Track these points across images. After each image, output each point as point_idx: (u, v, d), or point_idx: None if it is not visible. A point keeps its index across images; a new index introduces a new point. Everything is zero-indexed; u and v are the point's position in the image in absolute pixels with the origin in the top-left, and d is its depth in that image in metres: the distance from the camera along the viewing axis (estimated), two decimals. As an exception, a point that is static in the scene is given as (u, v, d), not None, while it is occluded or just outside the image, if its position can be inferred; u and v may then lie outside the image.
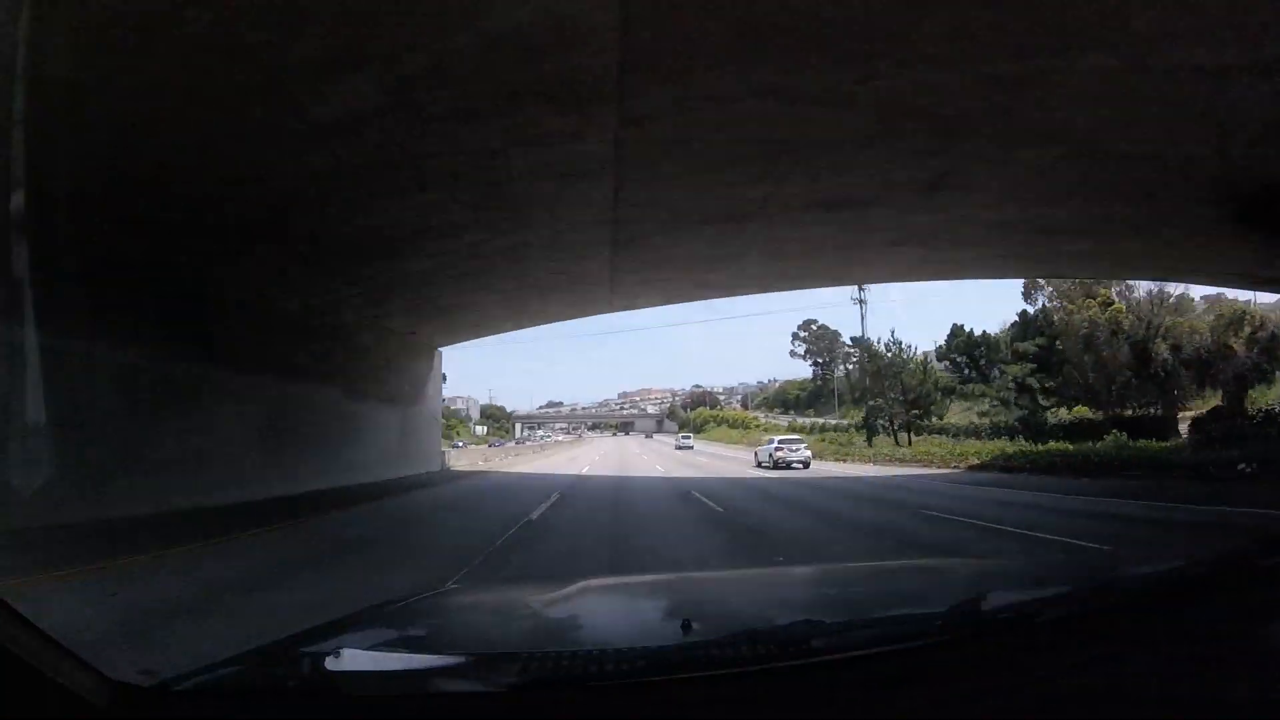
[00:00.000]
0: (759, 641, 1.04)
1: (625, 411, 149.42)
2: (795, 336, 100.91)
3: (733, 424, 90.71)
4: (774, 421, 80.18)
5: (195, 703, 0.94)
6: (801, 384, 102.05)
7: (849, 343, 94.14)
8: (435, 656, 1.19)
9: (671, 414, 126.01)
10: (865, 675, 0.97)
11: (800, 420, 77.18)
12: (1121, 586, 1.38)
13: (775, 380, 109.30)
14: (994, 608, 1.24)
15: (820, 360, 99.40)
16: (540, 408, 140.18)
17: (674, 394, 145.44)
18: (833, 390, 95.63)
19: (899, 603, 1.61)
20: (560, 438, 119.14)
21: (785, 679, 0.96)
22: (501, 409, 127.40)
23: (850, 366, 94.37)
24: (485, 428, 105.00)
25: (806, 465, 22.90)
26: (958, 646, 1.05)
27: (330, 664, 1.03)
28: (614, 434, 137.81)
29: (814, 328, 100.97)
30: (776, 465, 22.76)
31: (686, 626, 1.17)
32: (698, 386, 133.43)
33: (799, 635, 1.05)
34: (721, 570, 5.03)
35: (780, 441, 24.57)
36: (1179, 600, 1.23)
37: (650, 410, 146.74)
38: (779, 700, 0.91)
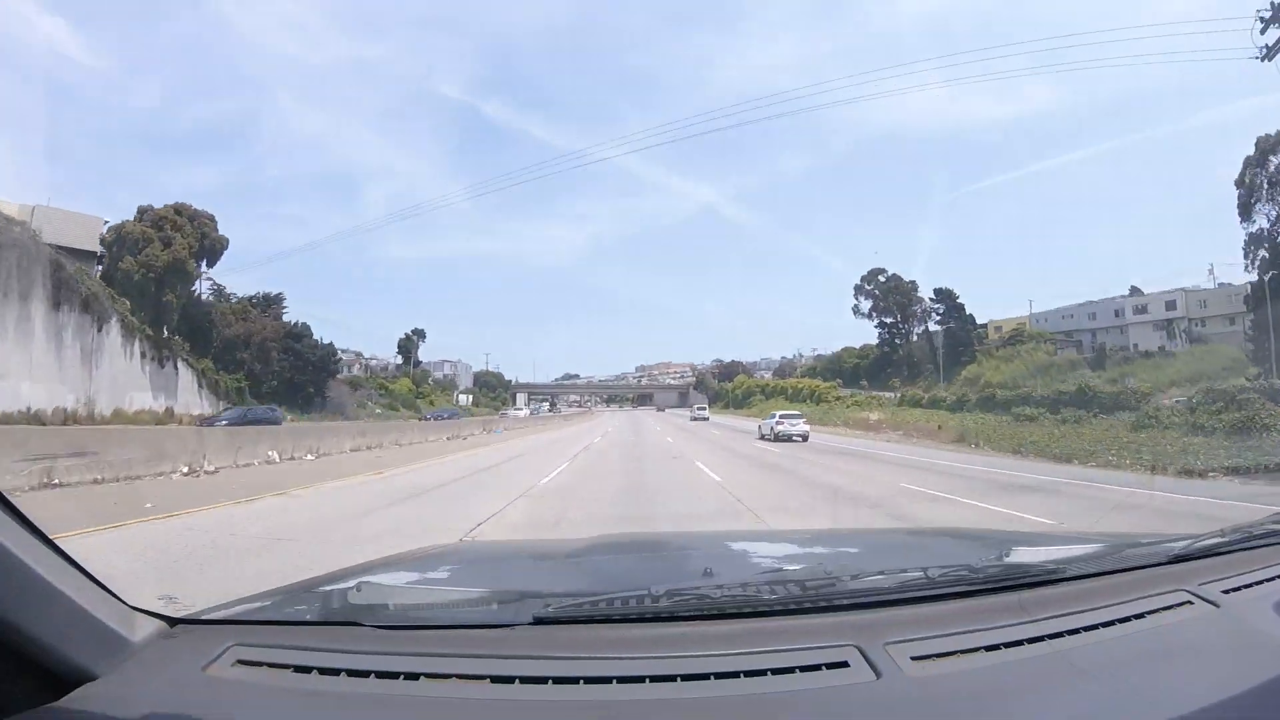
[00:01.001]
0: (784, 583, 1.06)
1: (643, 384, 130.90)
2: (859, 290, 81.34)
3: (793, 396, 70.62)
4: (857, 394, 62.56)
5: (217, 632, 0.96)
6: (862, 351, 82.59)
7: (931, 297, 75.71)
8: (455, 589, 1.24)
9: (699, 384, 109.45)
10: (893, 619, 0.97)
11: (875, 393, 58.62)
12: (1147, 551, 1.34)
13: (813, 351, 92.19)
14: (1020, 561, 1.31)
15: (890, 320, 80.00)
16: (556, 380, 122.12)
17: (693, 368, 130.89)
18: (903, 357, 76.66)
19: (921, 560, 1.49)
20: (566, 410, 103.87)
21: (812, 619, 0.97)
22: (498, 376, 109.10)
23: (933, 326, 74.36)
24: (470, 397, 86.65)
25: (805, 438, 25.01)
26: (984, 596, 1.06)
27: (353, 597, 1.05)
28: (632, 407, 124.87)
29: (882, 279, 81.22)
30: (778, 438, 24.79)
31: (707, 575, 1.20)
32: (718, 361, 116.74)
33: (824, 579, 1.07)
34: (743, 528, 5.66)
35: (781, 416, 27.56)
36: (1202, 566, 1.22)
37: (671, 382, 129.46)
38: (802, 637, 0.92)
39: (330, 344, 49.97)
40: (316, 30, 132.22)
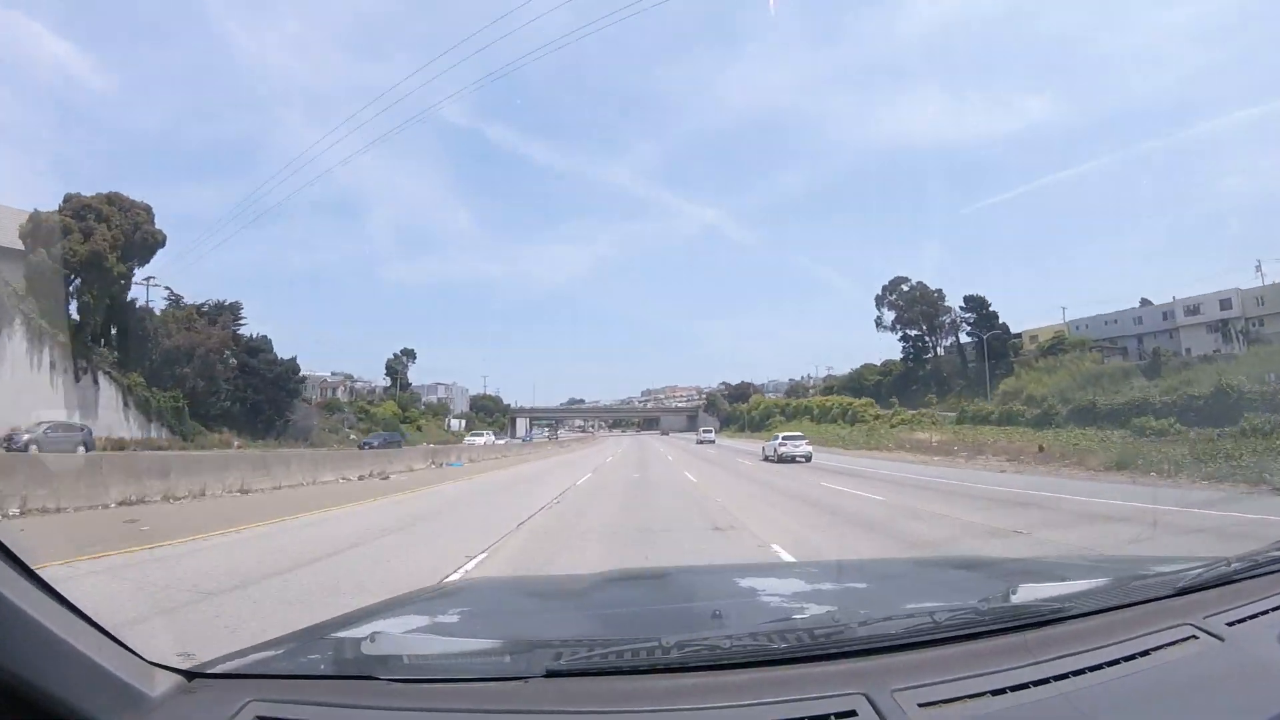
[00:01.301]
0: (792, 631, 1.07)
1: (649, 407, 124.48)
2: (881, 301, 75.58)
3: (820, 416, 64.28)
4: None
5: (235, 687, 0.96)
6: (884, 367, 76.47)
7: (961, 306, 69.73)
8: (469, 640, 1.22)
9: (710, 406, 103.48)
10: (899, 664, 0.98)
11: (921, 410, 52.32)
12: (1151, 584, 1.32)
13: (827, 370, 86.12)
14: (1025, 601, 1.25)
15: (915, 332, 74.05)
16: (561, 404, 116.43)
17: (700, 391, 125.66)
18: (931, 372, 70.51)
19: (927, 597, 1.53)
20: (568, 435, 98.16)
21: (819, 666, 0.98)
22: (495, 400, 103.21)
23: (963, 338, 68.20)
24: (463, 422, 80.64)
25: (808, 459, 24.80)
26: (989, 638, 1.06)
27: (366, 648, 1.05)
28: (637, 431, 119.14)
29: (905, 288, 75.61)
30: (781, 459, 24.79)
31: (716, 617, 1.23)
32: (725, 384, 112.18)
33: (831, 626, 1.09)
34: (746, 562, 5.36)
35: (784, 438, 27.01)
36: (1206, 599, 1.21)
37: (679, 405, 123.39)
38: (811, 686, 0.93)
39: (293, 360, 44.14)
40: (321, 54, 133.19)
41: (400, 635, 1.21)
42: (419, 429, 66.26)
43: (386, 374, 78.39)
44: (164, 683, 0.94)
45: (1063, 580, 1.58)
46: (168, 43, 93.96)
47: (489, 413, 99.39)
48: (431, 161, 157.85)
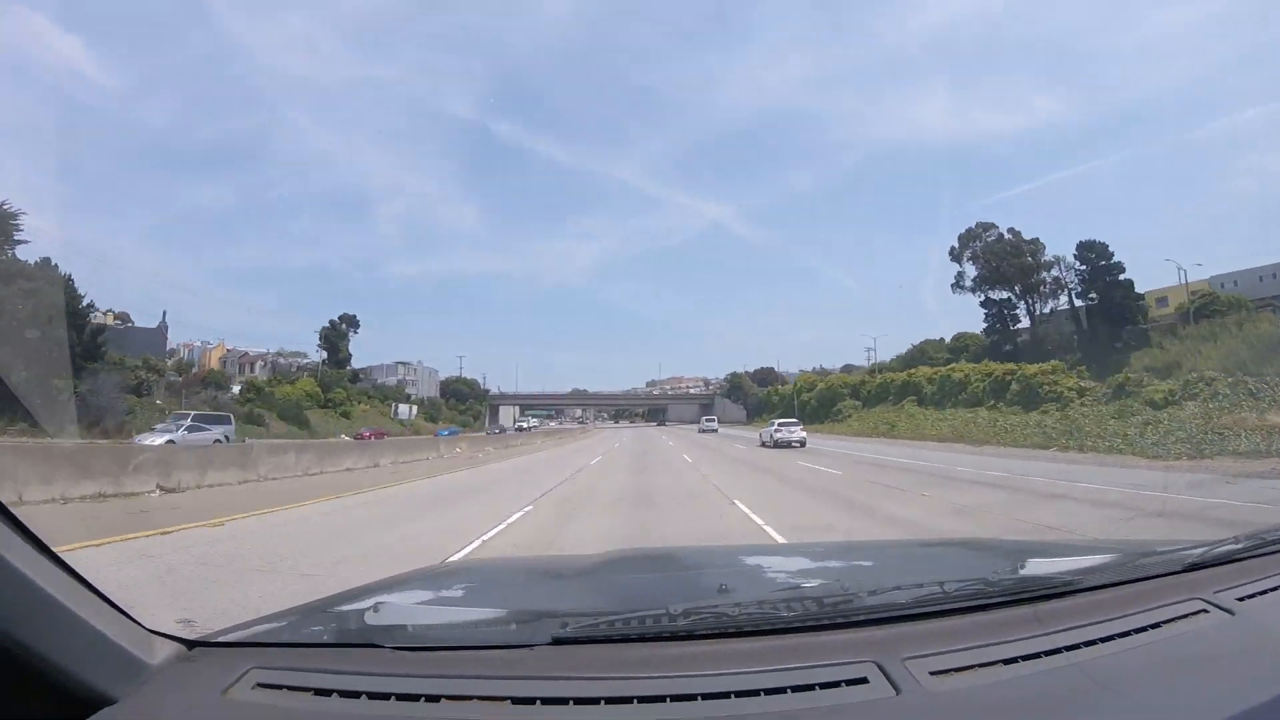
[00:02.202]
0: (801, 599, 1.06)
1: (654, 396, 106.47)
2: (959, 253, 58.09)
3: (948, 390, 45.96)
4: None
5: (236, 655, 0.95)
6: (958, 341, 59.10)
7: (1074, 254, 51.97)
8: (474, 609, 1.24)
9: (733, 390, 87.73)
10: (910, 634, 0.97)
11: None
12: (1161, 560, 1.31)
13: (868, 353, 69.48)
14: (1035, 574, 1.29)
15: (1004, 294, 56.69)
16: (556, 393, 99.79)
17: (706, 382, 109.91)
18: (1029, 343, 53.07)
19: (935, 572, 1.47)
20: (560, 426, 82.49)
21: (829, 635, 0.97)
22: (471, 384, 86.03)
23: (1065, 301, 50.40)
24: (414, 409, 63.45)
25: (803, 444, 25.74)
26: (1000, 609, 1.05)
27: (370, 618, 1.05)
28: (641, 422, 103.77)
29: (990, 238, 58.20)
30: (777, 445, 25.81)
31: (723, 591, 1.20)
32: (734, 374, 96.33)
33: (841, 595, 1.08)
34: (754, 542, 5.45)
35: (780, 424, 28.12)
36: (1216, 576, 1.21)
37: (692, 390, 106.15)
38: (821, 654, 0.92)
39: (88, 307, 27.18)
40: (327, 49, 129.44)
41: (404, 605, 1.23)
42: (343, 416, 49.54)
43: (322, 345, 61.38)
44: (164, 651, 0.93)
45: (1070, 557, 1.60)
46: (172, 38, 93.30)
47: (461, 399, 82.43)
48: (437, 156, 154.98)
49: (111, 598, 0.90)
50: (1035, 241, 55.16)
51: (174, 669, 0.92)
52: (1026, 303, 55.71)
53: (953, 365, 48.55)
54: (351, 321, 64.44)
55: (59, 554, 0.84)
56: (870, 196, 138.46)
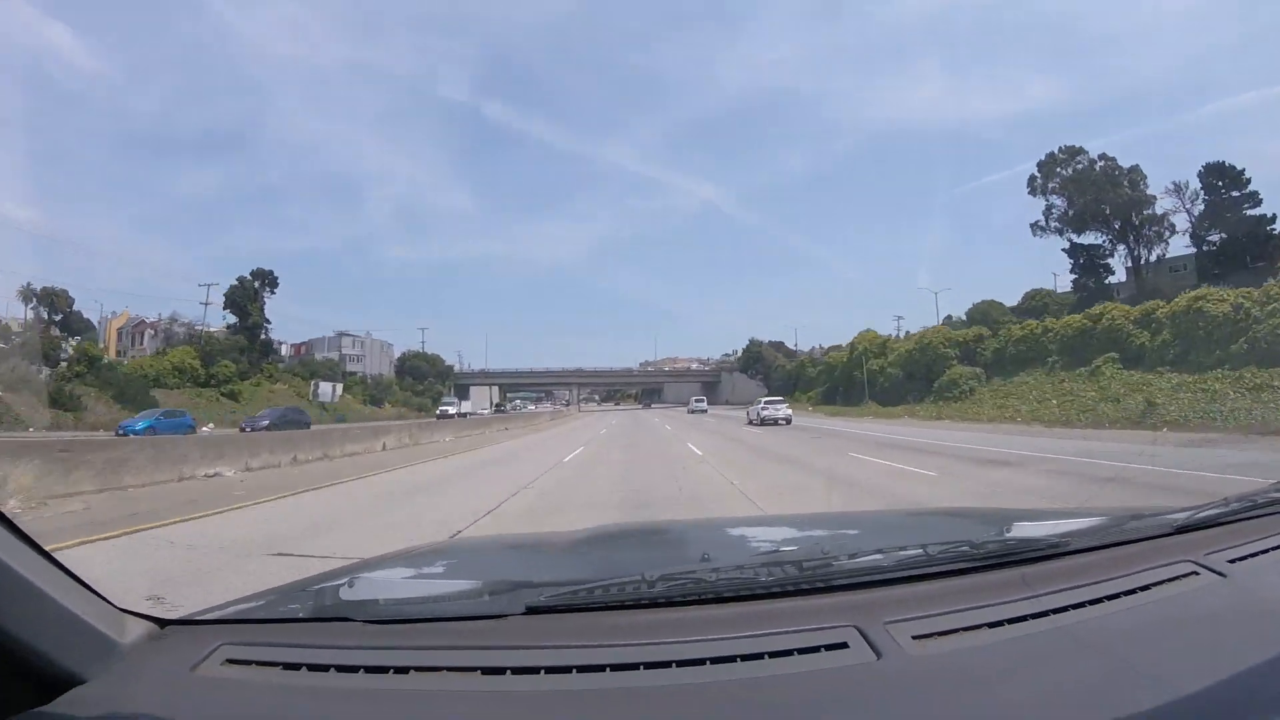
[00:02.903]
0: (780, 564, 1.04)
1: (649, 374, 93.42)
2: (1041, 185, 45.23)
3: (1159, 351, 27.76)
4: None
5: (207, 632, 0.96)
6: (1032, 300, 46.46)
7: (1200, 172, 39.10)
8: (448, 582, 1.23)
9: (752, 362, 76.35)
10: (892, 598, 0.96)
11: None
12: (1150, 523, 1.29)
13: (898, 322, 56.74)
14: (1021, 536, 1.25)
15: (1100, 239, 44.14)
16: (549, 370, 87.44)
17: (703, 362, 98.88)
18: (1133, 299, 40.62)
19: (919, 538, 1.45)
20: (533, 407, 78.26)
21: (809, 600, 0.97)
22: (434, 360, 73.11)
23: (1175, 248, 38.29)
24: (337, 389, 50.61)
25: (789, 421, 26.43)
26: (985, 573, 1.04)
27: (344, 593, 1.04)
28: (635, 405, 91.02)
29: (1079, 165, 45.55)
30: (764, 422, 26.09)
31: (704, 560, 1.16)
32: (727, 356, 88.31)
33: (820, 559, 1.06)
34: (740, 515, 5.29)
35: (766, 402, 28.81)
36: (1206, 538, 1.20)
37: (695, 367, 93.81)
38: (800, 619, 0.91)
39: None
40: (316, 33, 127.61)
41: (379, 580, 1.23)
42: (227, 397, 36.88)
43: (226, 306, 48.27)
44: (135, 630, 0.93)
45: (1057, 520, 1.57)
46: (160, 24, 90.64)
47: (419, 377, 69.57)
48: (428, 140, 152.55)
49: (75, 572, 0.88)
50: (1135, 170, 42.54)
51: (145, 647, 0.91)
52: (1128, 245, 43.23)
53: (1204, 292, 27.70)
54: (267, 279, 51.38)
55: (25, 532, 0.83)
56: (867, 178, 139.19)
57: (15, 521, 0.83)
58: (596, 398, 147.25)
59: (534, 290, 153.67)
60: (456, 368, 80.00)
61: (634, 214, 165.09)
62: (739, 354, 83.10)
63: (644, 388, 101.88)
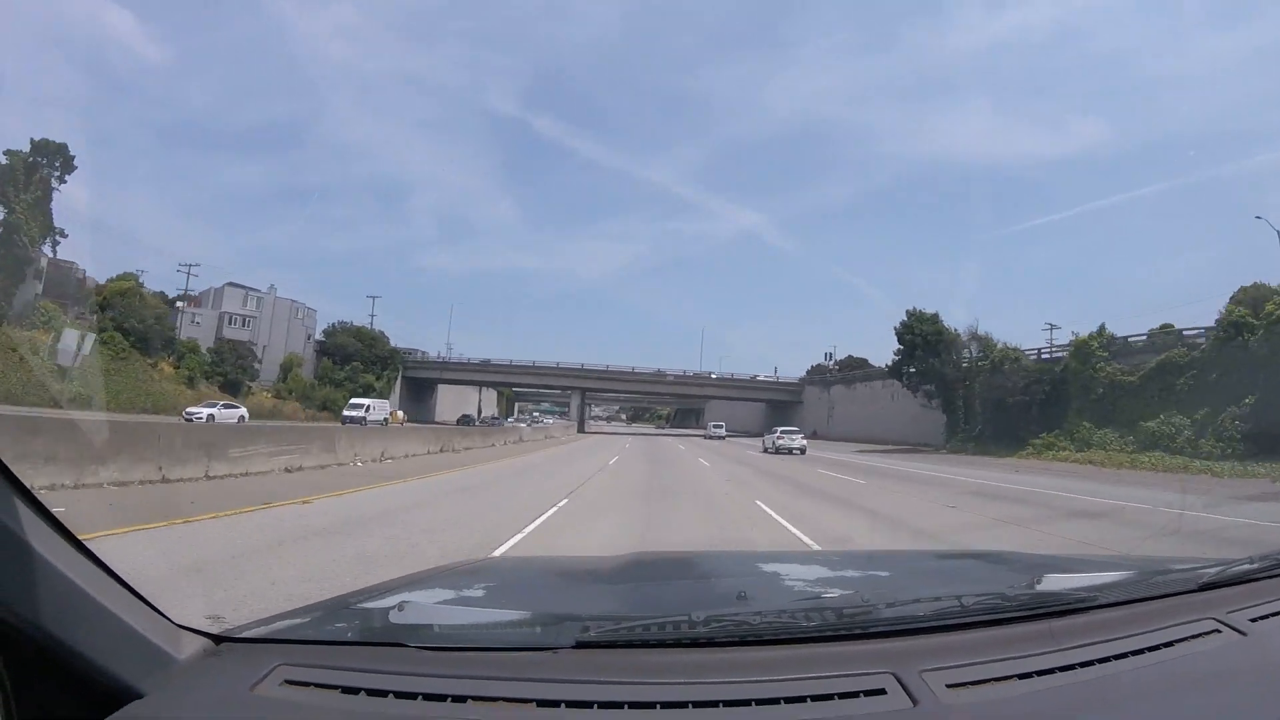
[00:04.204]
0: (821, 610, 1.08)
1: (688, 383, 65.98)
2: None
3: None
4: None
5: (263, 651, 0.97)
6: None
7: None
8: (497, 611, 1.25)
9: (912, 358, 39.93)
10: (927, 646, 0.98)
11: None
12: (1175, 579, 1.32)
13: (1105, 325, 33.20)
14: (1051, 590, 1.28)
15: None
16: (562, 366, 63.14)
17: (733, 378, 67.49)
18: None
19: (952, 585, 1.50)
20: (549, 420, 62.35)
21: (848, 646, 0.99)
22: (375, 337, 49.25)
23: None
24: (86, 342, 25.95)
25: (803, 451, 27.40)
26: (1015, 624, 1.06)
27: (394, 617, 1.06)
28: (666, 429, 68.03)
29: None
30: (779, 451, 27.36)
31: (741, 598, 1.21)
32: (914, 311, 58.46)
33: (860, 606, 1.11)
34: (770, 549, 5.35)
35: (782, 432, 29.94)
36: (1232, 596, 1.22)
37: (762, 378, 65.26)
38: (840, 664, 0.93)
39: None
40: (372, 38, 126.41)
41: (428, 605, 1.24)
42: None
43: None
44: (190, 645, 0.94)
45: (1086, 573, 1.58)
46: (223, 18, 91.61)
47: (342, 359, 45.70)
48: (472, 149, 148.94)
49: (141, 591, 0.90)
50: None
51: (201, 664, 0.92)
52: None
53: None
54: (59, 155, 28.32)
55: (86, 544, 0.84)
56: (904, 213, 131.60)
57: (78, 537, 0.83)
58: (624, 416, 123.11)
59: (570, 304, 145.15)
60: (443, 356, 55.91)
61: (674, 236, 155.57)
62: (832, 362, 56.67)
63: (681, 406, 76.18)
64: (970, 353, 38.01)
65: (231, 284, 46.56)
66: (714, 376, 60.79)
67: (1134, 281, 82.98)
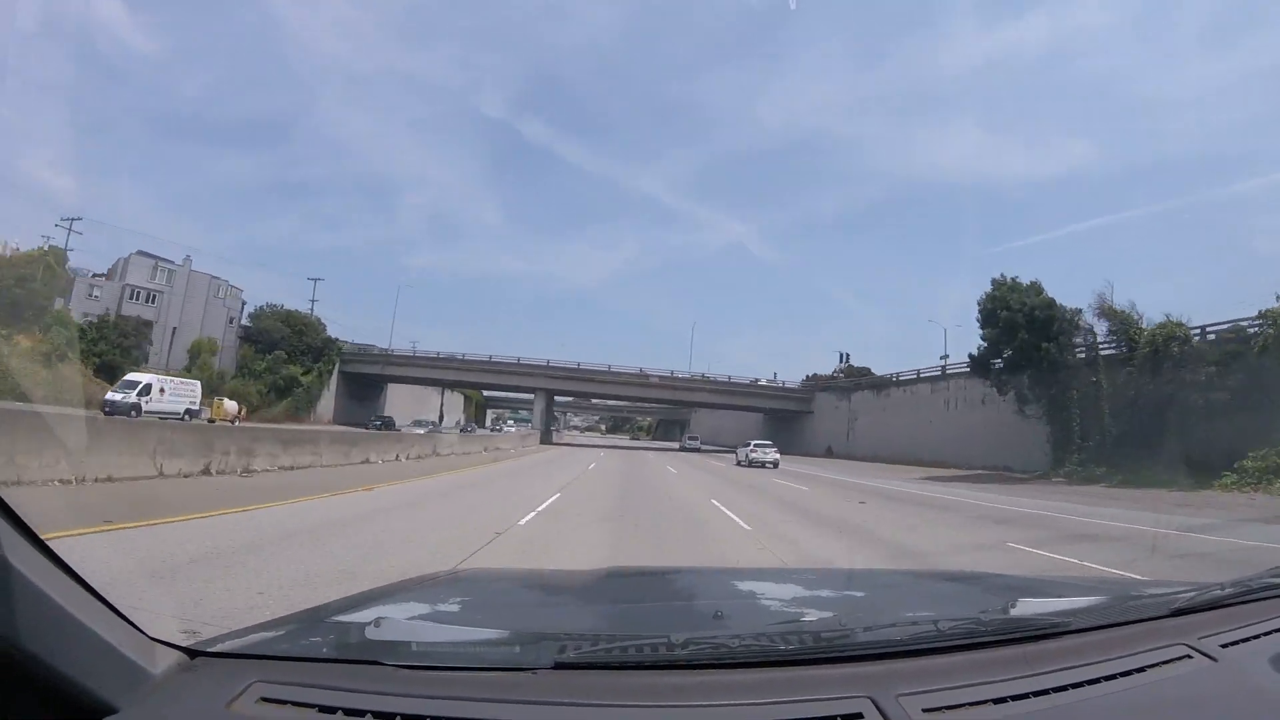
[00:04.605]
0: (798, 633, 1.12)
1: (682, 393, 58.97)
2: None
3: None
4: None
5: (238, 666, 0.96)
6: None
7: None
8: (475, 629, 1.24)
9: (1012, 337, 26.37)
10: (904, 670, 1.00)
11: None
12: (1147, 604, 1.35)
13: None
14: (1025, 614, 1.30)
15: None
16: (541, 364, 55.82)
17: (730, 380, 60.86)
18: None
19: (928, 607, 1.54)
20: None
21: (825, 669, 1.00)
22: (312, 324, 42.26)
23: None
24: None
25: (776, 465, 26.98)
26: (990, 649, 1.08)
27: (370, 633, 1.07)
28: (647, 442, 58.82)
29: None
30: (752, 464, 27.23)
31: (718, 618, 1.25)
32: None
33: (837, 630, 1.14)
34: (747, 567, 5.27)
35: (755, 444, 29.39)
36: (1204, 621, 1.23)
37: (763, 381, 58.02)
38: (817, 688, 0.94)
39: None
40: (366, 36, 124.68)
41: (405, 621, 1.23)
42: None
43: None
44: (165, 660, 0.93)
45: (1060, 597, 1.60)
46: (216, 11, 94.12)
47: (268, 346, 38.91)
48: (461, 150, 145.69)
49: (115, 604, 0.89)
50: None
51: (176, 679, 0.91)
52: None
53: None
54: None
55: (67, 561, 0.83)
56: (892, 228, 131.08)
57: (52, 548, 0.81)
58: (603, 427, 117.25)
59: (555, 309, 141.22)
60: (390, 350, 49.12)
61: (662, 244, 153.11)
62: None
63: (664, 415, 69.55)
64: (1094, 336, 26.09)
65: (141, 253, 39.52)
66: (705, 378, 53.05)
67: (1121, 302, 76.42)
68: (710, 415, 66.07)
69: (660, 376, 52.14)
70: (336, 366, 45.24)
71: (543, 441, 41.40)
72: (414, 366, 51.05)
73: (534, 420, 48.66)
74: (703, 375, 52.62)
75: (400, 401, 54.45)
